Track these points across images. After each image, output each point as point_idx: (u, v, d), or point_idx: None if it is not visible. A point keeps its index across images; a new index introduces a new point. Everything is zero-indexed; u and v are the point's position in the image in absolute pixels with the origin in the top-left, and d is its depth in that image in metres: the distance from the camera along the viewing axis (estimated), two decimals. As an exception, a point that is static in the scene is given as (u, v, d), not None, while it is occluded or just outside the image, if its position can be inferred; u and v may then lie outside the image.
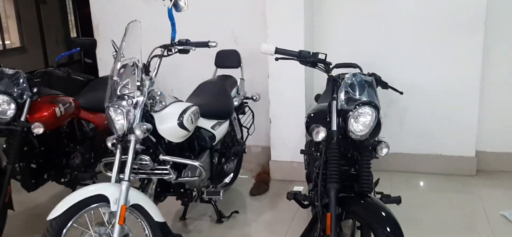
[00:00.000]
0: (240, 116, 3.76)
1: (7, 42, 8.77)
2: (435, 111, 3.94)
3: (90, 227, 2.30)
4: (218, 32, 4.07)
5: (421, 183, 3.91)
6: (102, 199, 2.27)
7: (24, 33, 8.80)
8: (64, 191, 3.52)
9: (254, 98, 3.71)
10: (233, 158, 3.63)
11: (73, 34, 10.06)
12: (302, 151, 2.82)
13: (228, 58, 3.70)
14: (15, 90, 2.85)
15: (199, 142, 3.02)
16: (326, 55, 2.37)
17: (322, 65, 2.40)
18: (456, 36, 3.75)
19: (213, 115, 3.15)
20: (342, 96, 2.24)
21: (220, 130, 3.21)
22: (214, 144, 3.14)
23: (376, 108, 2.22)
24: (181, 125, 2.65)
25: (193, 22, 3.79)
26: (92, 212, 2.32)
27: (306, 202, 2.51)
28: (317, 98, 3.34)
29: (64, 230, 2.23)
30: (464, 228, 3.15)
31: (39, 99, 3.02)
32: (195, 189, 2.99)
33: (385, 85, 2.67)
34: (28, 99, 2.91)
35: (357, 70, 3.03)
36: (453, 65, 3.82)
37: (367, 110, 2.20)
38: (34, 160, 3.15)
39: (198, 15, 4.04)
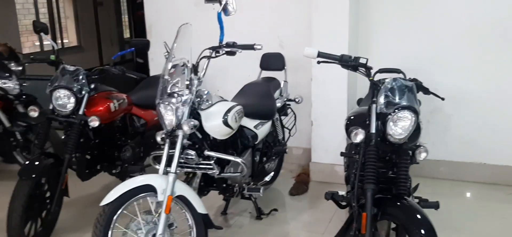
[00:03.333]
0: (283, 117, 3.85)
1: (65, 41, 9.31)
2: (480, 120, 3.87)
3: (138, 214, 2.47)
4: (264, 35, 4.18)
5: (464, 191, 3.85)
6: (150, 189, 2.44)
7: (81, 33, 9.31)
8: (114, 182, 3.74)
9: (297, 100, 3.78)
10: (274, 157, 3.72)
11: (126, 34, 10.52)
12: (342, 154, 2.88)
13: (273, 61, 3.79)
14: (75, 85, 3.08)
15: (242, 140, 3.15)
16: (367, 59, 2.43)
17: (363, 69, 2.46)
18: (503, 44, 3.69)
19: (256, 115, 3.26)
20: (381, 99, 2.28)
21: (263, 130, 3.32)
22: (256, 143, 3.26)
23: (416, 112, 2.25)
24: (225, 123, 2.78)
25: (241, 26, 3.92)
26: (141, 201, 2.49)
27: (343, 203, 2.58)
28: (359, 102, 3.38)
29: (115, 216, 2.42)
30: (505, 239, 3.11)
31: (96, 95, 3.24)
32: (236, 184, 3.12)
33: (426, 91, 2.68)
34: (86, 94, 3.14)
35: (400, 76, 3.06)
36: (500, 74, 3.76)
37: (406, 114, 2.24)
38: (89, 151, 3.38)
39: (246, 19, 4.16)
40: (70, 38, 9.39)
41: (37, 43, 8.85)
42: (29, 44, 8.82)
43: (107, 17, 9.77)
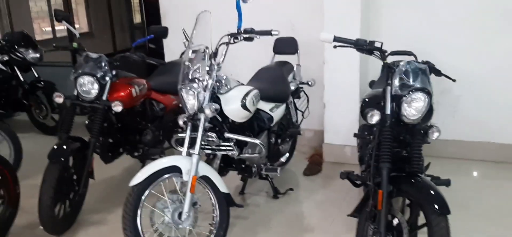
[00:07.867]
0: (296, 100, 3.95)
1: (76, 26, 9.36)
2: (489, 100, 3.96)
3: (165, 193, 2.61)
4: (276, 20, 4.25)
5: (472, 170, 3.96)
6: (175, 170, 2.57)
7: (92, 19, 9.34)
8: (135, 164, 3.88)
9: (310, 83, 3.87)
10: (288, 139, 3.83)
11: (136, 20, 10.52)
12: (355, 135, 2.98)
13: (285, 45, 3.87)
14: (98, 72, 3.19)
15: (259, 123, 3.25)
16: (382, 43, 2.52)
17: (378, 52, 2.56)
18: (510, 25, 3.75)
19: (271, 99, 3.36)
20: (396, 82, 2.38)
21: (278, 113, 3.43)
22: (272, 125, 3.37)
23: (429, 94, 2.35)
24: (244, 106, 2.89)
25: (253, 11, 3.98)
26: (167, 181, 2.63)
27: (358, 182, 2.70)
28: (371, 84, 3.46)
29: (143, 196, 2.56)
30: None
31: (117, 81, 3.35)
32: (254, 165, 3.25)
33: (438, 73, 2.77)
34: (109, 80, 3.25)
35: (411, 58, 3.14)
36: (506, 54, 3.83)
37: (420, 95, 2.34)
38: (112, 135, 3.51)
39: (258, 4, 4.22)
40: (81, 24, 9.47)
41: (46, 29, 8.92)
42: (40, 30, 8.91)
43: (117, 3, 9.78)
